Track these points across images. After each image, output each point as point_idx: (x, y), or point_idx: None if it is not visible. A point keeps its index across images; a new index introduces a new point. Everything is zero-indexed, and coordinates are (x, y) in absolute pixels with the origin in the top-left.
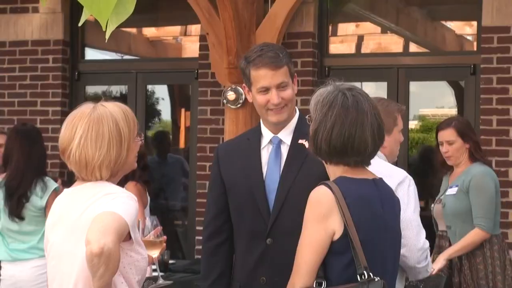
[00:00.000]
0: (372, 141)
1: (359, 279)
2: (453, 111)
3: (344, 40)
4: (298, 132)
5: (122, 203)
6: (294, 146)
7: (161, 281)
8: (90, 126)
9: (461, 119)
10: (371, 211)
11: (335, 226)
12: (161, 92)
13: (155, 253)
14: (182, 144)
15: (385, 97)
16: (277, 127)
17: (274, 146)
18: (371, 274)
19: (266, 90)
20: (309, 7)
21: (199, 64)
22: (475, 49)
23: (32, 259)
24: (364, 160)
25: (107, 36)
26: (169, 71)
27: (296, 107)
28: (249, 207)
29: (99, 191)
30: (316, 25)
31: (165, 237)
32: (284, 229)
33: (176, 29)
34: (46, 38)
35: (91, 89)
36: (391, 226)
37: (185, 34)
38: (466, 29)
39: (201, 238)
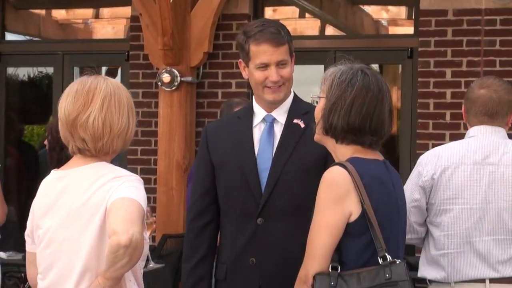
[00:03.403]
0: (388, 122)
1: (380, 262)
2: None
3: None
4: (293, 112)
5: (134, 187)
6: (289, 125)
7: (152, 264)
8: (112, 92)
9: None
10: (386, 192)
11: (352, 207)
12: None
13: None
14: None
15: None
16: (271, 106)
17: (267, 124)
18: (390, 257)
19: (265, 66)
20: None
21: (130, 45)
22: (412, 32)
23: None
24: (377, 142)
25: None
26: (97, 52)
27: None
28: (239, 187)
29: (103, 174)
30: (252, 7)
31: (154, 217)
32: (275, 209)
33: (87, 12)
34: None
35: (13, 71)
36: (402, 208)
37: (96, 17)
38: (403, 12)
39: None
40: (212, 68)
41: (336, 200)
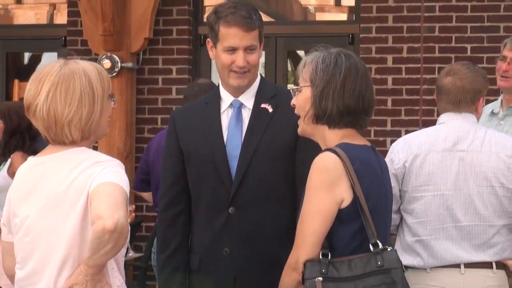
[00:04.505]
0: (374, 101)
1: (372, 248)
2: None
3: None
4: (260, 96)
5: (116, 172)
6: (257, 110)
7: (131, 253)
8: (60, 80)
9: None
10: (376, 177)
11: (343, 193)
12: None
13: None
14: None
15: (263, 66)
16: (237, 91)
17: (235, 110)
18: (381, 244)
19: (232, 50)
20: None
21: (67, 31)
22: (353, 18)
23: None
24: (366, 122)
25: None
26: (32, 38)
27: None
28: (209, 175)
29: (84, 159)
30: None
31: (133, 206)
32: (247, 197)
33: None
34: None
35: None
36: (389, 194)
37: (17, 2)
38: None
39: None
40: (152, 54)
41: (328, 186)
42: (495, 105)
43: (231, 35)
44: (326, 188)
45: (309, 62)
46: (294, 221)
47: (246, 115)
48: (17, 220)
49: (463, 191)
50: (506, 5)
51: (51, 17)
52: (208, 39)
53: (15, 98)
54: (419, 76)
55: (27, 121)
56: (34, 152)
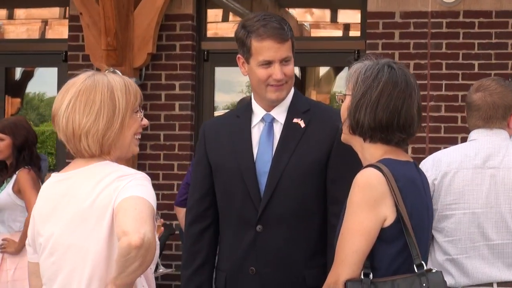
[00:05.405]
0: (417, 119)
1: (416, 269)
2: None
3: (220, 24)
4: (293, 110)
5: (141, 185)
6: (289, 125)
7: (161, 269)
8: (82, 91)
9: None
10: (419, 195)
11: (387, 211)
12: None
13: None
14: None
15: None
16: (271, 104)
17: (266, 124)
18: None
19: (268, 63)
20: None
21: (68, 46)
22: (359, 34)
23: None
24: (406, 140)
25: None
26: (32, 53)
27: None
28: (238, 191)
29: (108, 173)
30: (195, 7)
31: (162, 220)
32: (275, 215)
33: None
34: None
35: None
36: (430, 212)
37: (10, 17)
38: (351, 14)
39: None
40: (155, 70)
41: (371, 204)
42: None
43: (265, 48)
44: (369, 206)
45: (354, 71)
46: (322, 241)
47: (278, 130)
48: (41, 240)
49: (494, 208)
50: None
51: (43, 33)
52: (239, 56)
53: (8, 114)
54: (426, 92)
55: (34, 135)
56: (39, 169)
